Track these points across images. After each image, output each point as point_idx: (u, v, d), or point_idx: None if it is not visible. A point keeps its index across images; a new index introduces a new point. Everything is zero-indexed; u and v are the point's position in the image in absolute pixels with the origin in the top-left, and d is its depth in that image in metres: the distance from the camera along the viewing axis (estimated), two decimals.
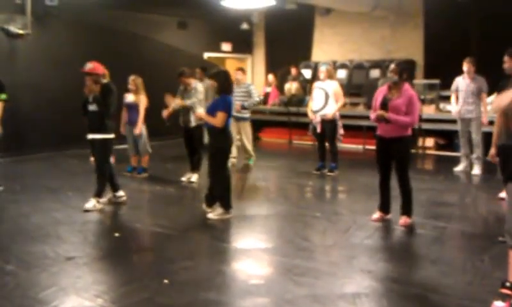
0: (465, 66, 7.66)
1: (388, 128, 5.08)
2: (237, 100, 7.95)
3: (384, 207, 5.39)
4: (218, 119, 5.34)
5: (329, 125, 7.75)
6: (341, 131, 7.90)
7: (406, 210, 5.24)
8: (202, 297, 3.54)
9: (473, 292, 3.64)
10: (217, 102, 5.44)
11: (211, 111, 5.44)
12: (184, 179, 7.43)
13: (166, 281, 3.80)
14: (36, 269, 4.05)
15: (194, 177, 7.37)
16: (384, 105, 5.03)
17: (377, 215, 5.40)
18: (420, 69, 11.28)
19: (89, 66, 5.67)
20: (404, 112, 4.98)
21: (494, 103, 3.29)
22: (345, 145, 8.31)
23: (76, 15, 10.15)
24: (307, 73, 12.67)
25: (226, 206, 5.51)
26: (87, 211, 5.73)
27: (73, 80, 8.67)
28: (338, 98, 7.75)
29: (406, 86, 5.08)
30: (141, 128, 7.47)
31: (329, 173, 7.92)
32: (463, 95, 7.73)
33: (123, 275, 4.00)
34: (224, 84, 5.46)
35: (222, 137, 5.45)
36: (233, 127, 8.06)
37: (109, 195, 6.04)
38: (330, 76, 7.87)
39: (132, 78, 7.51)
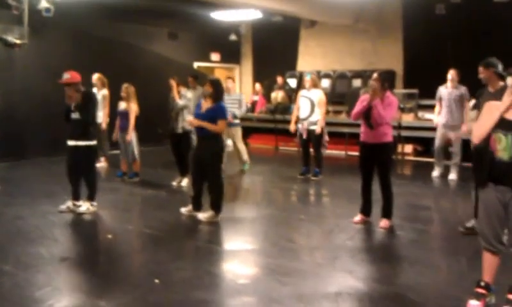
0: (450, 75, 7.87)
1: (371, 135, 5.29)
2: (227, 107, 8.24)
3: (366, 210, 5.57)
4: (220, 127, 5.50)
5: (314, 132, 7.96)
6: (326, 138, 8.12)
7: (387, 212, 5.42)
8: (192, 296, 3.65)
9: (450, 291, 3.76)
10: (216, 110, 5.51)
11: (207, 118, 5.49)
12: (174, 183, 7.58)
13: (157, 280, 3.89)
14: (33, 269, 4.14)
15: (184, 181, 7.52)
16: (368, 113, 5.23)
17: (358, 217, 5.58)
18: (399, 79, 11.57)
19: (67, 76, 5.73)
20: (387, 119, 5.20)
21: (473, 135, 3.35)
22: (328, 151, 8.51)
23: (71, 26, 10.30)
24: (292, 83, 12.94)
25: (218, 209, 5.65)
26: (81, 214, 5.84)
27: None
28: (322, 106, 7.98)
29: (388, 93, 5.30)
30: (131, 135, 7.62)
31: (313, 178, 8.10)
32: (445, 103, 7.92)
33: (115, 275, 4.11)
34: (220, 92, 5.64)
35: (217, 143, 5.59)
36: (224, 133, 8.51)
37: (69, 202, 5.98)
38: (315, 85, 8.09)
39: (124, 86, 7.65)
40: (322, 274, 4.09)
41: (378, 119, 5.16)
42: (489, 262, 3.38)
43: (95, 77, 8.64)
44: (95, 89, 8.62)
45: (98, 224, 5.77)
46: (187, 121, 5.77)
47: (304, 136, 8.05)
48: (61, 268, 4.21)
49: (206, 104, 5.60)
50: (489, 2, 9.28)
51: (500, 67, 5.00)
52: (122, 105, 7.69)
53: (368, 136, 5.32)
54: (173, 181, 7.64)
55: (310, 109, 7.94)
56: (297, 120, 8.19)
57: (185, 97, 7.44)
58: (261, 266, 4.39)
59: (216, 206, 5.64)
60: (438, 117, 8.13)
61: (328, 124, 8.81)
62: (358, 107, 5.32)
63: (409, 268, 4.32)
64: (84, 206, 5.92)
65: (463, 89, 7.90)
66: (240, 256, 4.67)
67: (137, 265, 4.48)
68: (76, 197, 5.99)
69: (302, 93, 8.19)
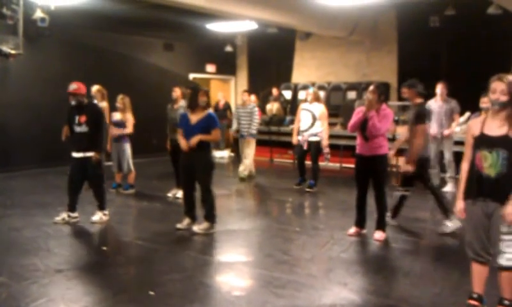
0: (438, 89, 7.96)
1: (366, 147, 5.32)
2: (242, 119, 8.90)
3: (361, 222, 5.59)
4: (216, 136, 5.57)
5: (315, 144, 8.04)
6: (327, 150, 8.15)
7: (381, 224, 5.45)
8: None
9: (442, 303, 3.81)
10: (207, 120, 5.52)
11: (200, 129, 5.50)
12: (169, 195, 7.58)
13: (151, 292, 3.90)
14: (27, 281, 4.14)
15: (180, 193, 7.52)
16: (364, 125, 5.27)
17: (353, 230, 5.60)
18: (393, 91, 11.65)
19: (74, 87, 5.84)
20: (382, 131, 5.25)
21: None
22: (323, 163, 8.57)
23: (66, 36, 10.34)
24: (287, 94, 13.01)
25: (213, 220, 5.68)
26: (94, 223, 5.92)
27: (62, 98, 8.84)
28: (324, 120, 8.09)
29: (384, 106, 5.34)
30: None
31: (307, 189, 8.16)
32: (435, 117, 7.94)
33: (110, 287, 4.10)
34: (209, 100, 5.70)
35: (208, 153, 5.64)
36: (240, 143, 9.06)
37: (64, 214, 6.01)
38: (317, 98, 8.22)
39: (120, 97, 7.70)
40: (316, 286, 4.10)
41: (373, 131, 5.20)
42: (477, 273, 3.45)
43: (94, 88, 8.54)
44: (94, 101, 8.64)
45: (93, 235, 5.75)
46: (183, 145, 5.55)
47: (305, 147, 8.13)
48: (55, 280, 4.20)
49: (195, 116, 5.57)
50: (483, 15, 9.41)
51: (420, 87, 5.74)
52: (117, 116, 7.72)
53: (364, 148, 5.35)
54: (168, 192, 7.64)
55: (311, 122, 8.06)
56: (298, 132, 8.29)
57: (184, 108, 7.43)
58: (256, 278, 4.40)
59: (210, 217, 5.66)
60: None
61: None
62: (354, 118, 5.36)
63: (403, 280, 4.35)
64: (97, 215, 5.99)
65: (453, 103, 7.98)
66: (234, 268, 4.69)
67: (132, 277, 4.48)
68: (72, 209, 6.01)
69: (303, 106, 8.30)
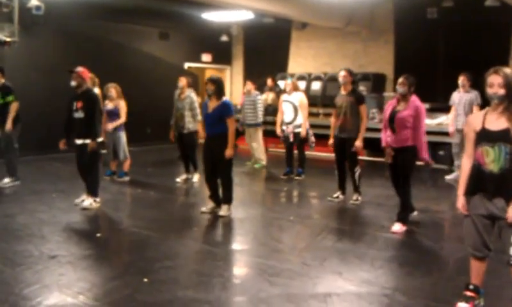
0: (460, 80, 7.93)
1: (396, 139, 5.30)
2: (246, 108, 9.10)
3: None
4: (232, 126, 5.69)
5: (299, 134, 8.14)
6: (312, 138, 8.24)
7: (402, 217, 5.38)
8: (181, 295, 3.66)
9: (439, 293, 3.80)
10: (221, 109, 5.66)
11: (215, 117, 5.67)
12: (178, 180, 7.79)
13: (146, 279, 3.90)
14: (21, 267, 4.13)
15: (196, 177, 7.78)
16: (392, 117, 5.25)
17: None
18: (390, 82, 11.62)
19: (79, 68, 6.01)
20: (411, 123, 5.21)
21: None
22: (317, 153, 8.57)
23: (61, 24, 10.27)
24: (283, 85, 12.96)
25: (230, 201, 5.92)
26: (84, 209, 5.94)
27: (57, 86, 8.79)
28: (303, 109, 8.15)
29: (413, 97, 5.30)
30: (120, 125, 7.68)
31: (296, 177, 8.26)
32: (457, 108, 8.00)
33: (104, 274, 4.10)
34: (223, 89, 5.84)
35: (227, 139, 5.75)
36: (246, 134, 9.26)
37: (84, 196, 6.14)
38: (295, 88, 8.32)
39: (113, 85, 7.69)
40: (311, 275, 4.10)
41: (401, 123, 5.19)
42: (476, 268, 3.42)
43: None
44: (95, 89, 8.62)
45: (87, 222, 5.73)
46: (200, 135, 5.89)
47: (291, 139, 8.22)
48: (49, 266, 4.18)
49: (212, 103, 5.77)
50: (481, 7, 9.39)
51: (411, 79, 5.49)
52: (109, 104, 7.68)
53: (392, 140, 5.34)
54: (177, 178, 7.75)
55: (294, 113, 8.16)
56: (282, 123, 8.38)
57: (191, 99, 7.49)
58: (250, 266, 4.41)
59: (228, 200, 5.87)
60: (451, 126, 8.15)
61: (318, 126, 8.87)
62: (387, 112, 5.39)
63: (398, 269, 4.35)
64: (87, 201, 6.02)
65: (474, 94, 7.86)
66: (229, 256, 4.69)
67: (126, 264, 4.46)
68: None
69: (284, 97, 8.39)
